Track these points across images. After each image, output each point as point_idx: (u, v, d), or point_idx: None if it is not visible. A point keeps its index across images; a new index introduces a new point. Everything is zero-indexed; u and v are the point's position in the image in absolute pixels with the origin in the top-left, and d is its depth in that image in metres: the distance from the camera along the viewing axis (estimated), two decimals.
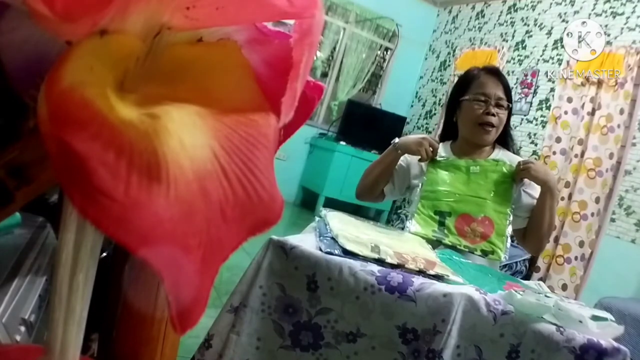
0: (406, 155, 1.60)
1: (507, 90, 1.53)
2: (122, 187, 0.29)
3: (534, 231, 1.50)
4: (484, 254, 1.39)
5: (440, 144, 1.59)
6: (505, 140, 1.61)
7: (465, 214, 1.43)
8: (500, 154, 1.58)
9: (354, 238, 1.02)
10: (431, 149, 1.49)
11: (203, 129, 0.36)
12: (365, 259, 0.97)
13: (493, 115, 1.49)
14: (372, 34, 5.68)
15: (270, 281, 0.95)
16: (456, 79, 5.01)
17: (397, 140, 1.56)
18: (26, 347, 0.57)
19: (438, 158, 1.53)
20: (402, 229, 1.47)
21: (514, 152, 1.62)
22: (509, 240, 1.42)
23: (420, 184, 1.53)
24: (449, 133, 1.66)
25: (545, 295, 1.04)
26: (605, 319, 0.96)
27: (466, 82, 1.57)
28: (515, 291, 0.96)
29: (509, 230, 1.41)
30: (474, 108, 1.51)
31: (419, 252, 1.09)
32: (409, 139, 1.54)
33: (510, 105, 1.54)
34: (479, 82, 1.53)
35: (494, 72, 1.56)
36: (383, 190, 1.65)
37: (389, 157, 1.58)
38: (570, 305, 0.99)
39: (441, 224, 1.43)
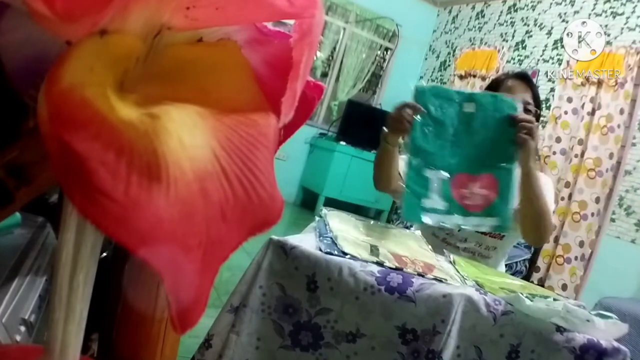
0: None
1: (536, 97, 1.46)
2: (122, 187, 0.29)
3: (524, 216, 1.29)
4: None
5: None
6: None
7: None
8: None
9: (353, 239, 1.02)
10: (411, 112, 1.17)
11: (203, 129, 0.36)
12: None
13: None
14: (372, 34, 5.68)
15: (270, 281, 0.95)
16: (456, 79, 5.08)
17: (384, 129, 1.29)
18: (26, 347, 0.57)
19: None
20: (408, 228, 1.43)
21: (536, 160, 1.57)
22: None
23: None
24: None
25: (553, 299, 1.03)
26: (610, 317, 0.96)
27: (492, 88, 1.51)
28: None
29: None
30: None
31: (419, 254, 1.09)
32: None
33: (538, 112, 1.44)
34: (506, 86, 1.46)
35: (523, 77, 1.48)
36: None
37: (381, 154, 1.37)
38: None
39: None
